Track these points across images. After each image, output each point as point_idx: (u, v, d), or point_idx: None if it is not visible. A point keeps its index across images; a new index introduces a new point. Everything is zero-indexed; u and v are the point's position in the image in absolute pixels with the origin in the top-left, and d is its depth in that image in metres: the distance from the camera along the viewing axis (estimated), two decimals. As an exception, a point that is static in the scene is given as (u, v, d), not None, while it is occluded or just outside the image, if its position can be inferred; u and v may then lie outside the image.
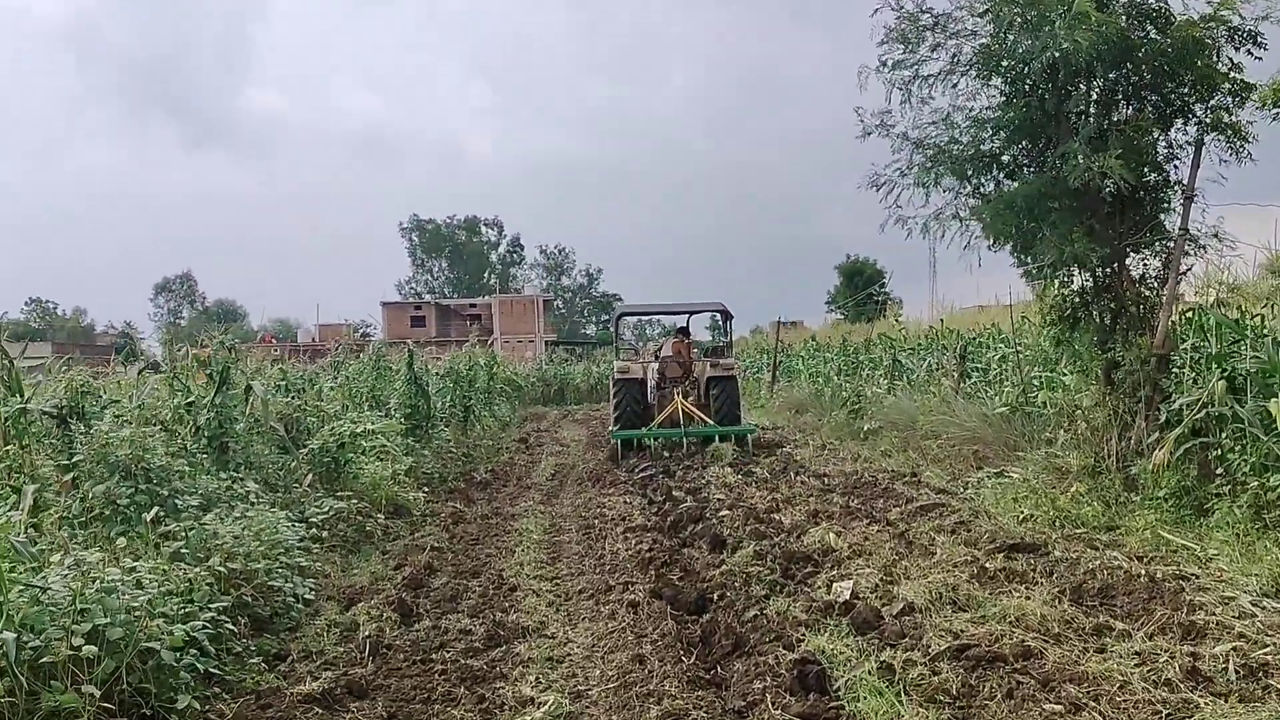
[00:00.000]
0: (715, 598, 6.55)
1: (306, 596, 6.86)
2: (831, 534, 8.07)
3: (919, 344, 17.48)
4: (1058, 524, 8.43)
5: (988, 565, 6.83)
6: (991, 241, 10.24)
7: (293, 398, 11.16)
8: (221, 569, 5.96)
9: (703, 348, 19.04)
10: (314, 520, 8.67)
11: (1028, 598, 6.04)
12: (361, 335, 66.80)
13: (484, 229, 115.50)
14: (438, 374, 18.34)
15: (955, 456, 12.56)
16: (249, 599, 6.22)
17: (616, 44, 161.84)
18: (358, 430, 10.23)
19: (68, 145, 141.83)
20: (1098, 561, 7.02)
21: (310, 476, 9.82)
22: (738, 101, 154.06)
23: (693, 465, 14.09)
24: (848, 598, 6.24)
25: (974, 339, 14.72)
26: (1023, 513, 8.87)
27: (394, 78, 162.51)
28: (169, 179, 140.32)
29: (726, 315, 18.16)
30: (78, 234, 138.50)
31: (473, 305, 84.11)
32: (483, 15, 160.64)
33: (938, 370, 15.52)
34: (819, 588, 6.65)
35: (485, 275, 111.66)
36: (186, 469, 7.30)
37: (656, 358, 17.68)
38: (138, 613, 4.81)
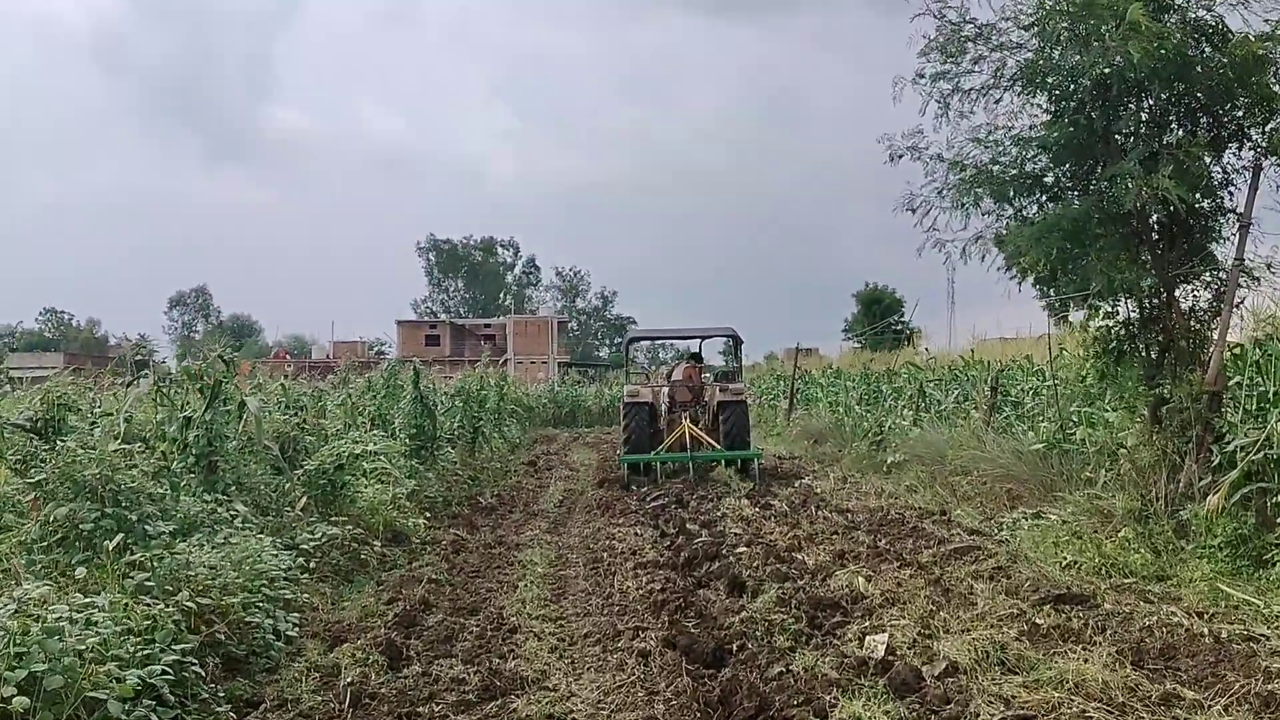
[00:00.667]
0: (735, 649, 5.92)
1: (289, 634, 6.28)
2: (860, 578, 7.46)
3: (946, 374, 16.82)
4: (1104, 572, 7.80)
5: (1038, 621, 6.19)
6: (1020, 274, 9.68)
7: (290, 415, 10.62)
8: (191, 604, 5.39)
9: (713, 373, 19.04)
10: (305, 547, 8.13)
11: (1085, 660, 5.40)
12: (376, 353, 66.60)
13: (500, 250, 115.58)
14: (447, 394, 17.83)
15: (987, 495, 11.93)
16: (222, 636, 5.64)
17: (638, 67, 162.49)
18: (357, 451, 9.68)
19: (90, 158, 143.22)
20: (1154, 617, 6.39)
21: (305, 499, 9.28)
22: (759, 127, 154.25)
23: (707, 496, 13.49)
24: (883, 654, 5.62)
25: (1005, 370, 14.07)
26: (1065, 558, 8.23)
27: (416, 98, 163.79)
28: (190, 193, 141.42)
29: (737, 340, 18.10)
30: (96, 246, 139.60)
31: (487, 325, 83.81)
32: (506, 37, 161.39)
33: (967, 402, 14.86)
34: (850, 640, 6.04)
35: (501, 296, 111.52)
36: (164, 491, 6.76)
37: (667, 381, 17.63)
38: (87, 656, 4.26)
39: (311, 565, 8.05)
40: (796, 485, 14.68)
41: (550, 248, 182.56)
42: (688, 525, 10.90)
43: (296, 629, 6.43)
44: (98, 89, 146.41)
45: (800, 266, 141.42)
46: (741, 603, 6.97)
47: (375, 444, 10.59)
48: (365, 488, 9.95)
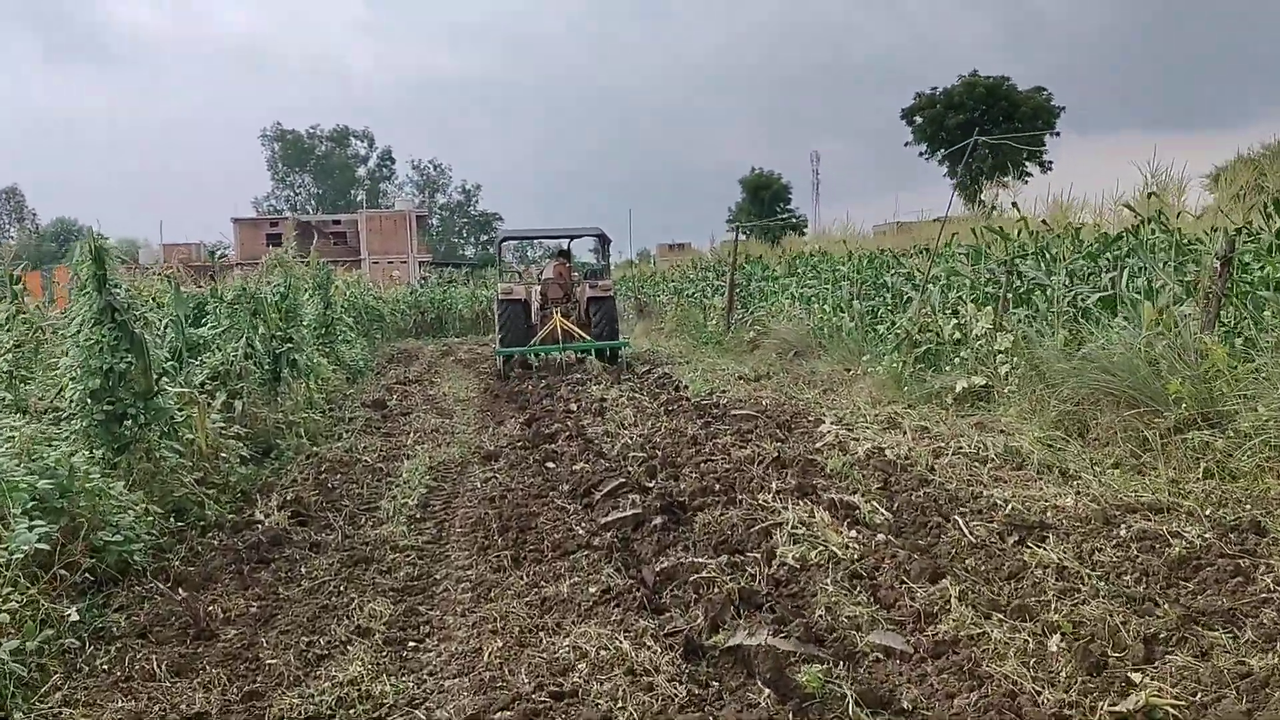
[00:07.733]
0: None
1: None
2: None
3: (1047, 245, 10.40)
4: None
5: None
6: None
7: None
8: None
9: (583, 270, 19.68)
10: None
11: None
12: (219, 256, 56.88)
13: (353, 141, 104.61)
14: (225, 304, 10.68)
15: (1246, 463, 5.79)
16: None
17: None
18: None
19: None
20: None
21: None
22: (623, 20, 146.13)
23: (719, 493, 6.99)
24: None
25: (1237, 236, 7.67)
26: None
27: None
28: (23, 96, 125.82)
29: (604, 240, 18.91)
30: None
31: (337, 222, 74.63)
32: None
33: (1156, 293, 8.45)
34: None
35: (352, 191, 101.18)
36: None
37: (539, 279, 18.24)
38: None
39: None
40: (848, 447, 8.32)
41: (409, 143, 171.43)
42: (717, 613, 4.37)
43: None
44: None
45: (668, 161, 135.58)
46: None
47: None
48: None
